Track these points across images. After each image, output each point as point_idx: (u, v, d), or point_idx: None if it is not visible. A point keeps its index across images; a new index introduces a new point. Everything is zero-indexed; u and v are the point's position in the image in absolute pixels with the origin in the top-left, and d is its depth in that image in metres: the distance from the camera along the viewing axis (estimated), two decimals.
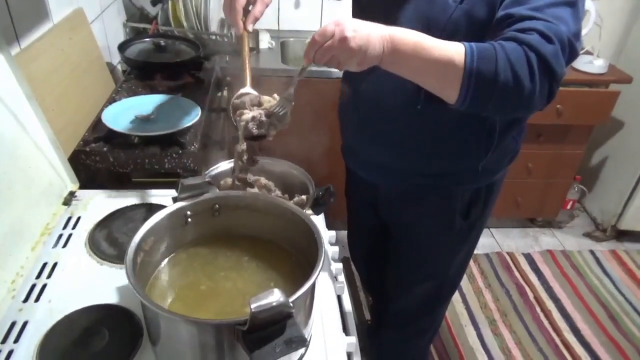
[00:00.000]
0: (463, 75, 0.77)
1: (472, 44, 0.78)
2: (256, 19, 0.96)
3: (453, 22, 0.89)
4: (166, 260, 0.83)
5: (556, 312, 2.08)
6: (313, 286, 0.72)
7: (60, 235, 1.00)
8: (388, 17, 0.98)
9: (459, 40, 0.86)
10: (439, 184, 1.09)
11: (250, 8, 0.96)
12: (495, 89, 0.77)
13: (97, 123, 1.28)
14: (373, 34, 0.76)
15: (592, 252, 2.43)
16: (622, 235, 2.54)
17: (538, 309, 2.09)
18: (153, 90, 1.46)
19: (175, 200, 0.82)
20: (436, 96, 0.83)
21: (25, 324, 0.81)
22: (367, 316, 2.00)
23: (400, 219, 1.22)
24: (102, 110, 1.30)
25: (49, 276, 0.90)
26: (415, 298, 1.34)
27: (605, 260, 2.39)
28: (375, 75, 1.01)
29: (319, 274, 0.69)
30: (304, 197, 1.02)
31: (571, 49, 0.80)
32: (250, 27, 0.95)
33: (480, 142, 1.03)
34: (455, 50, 0.78)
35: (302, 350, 0.77)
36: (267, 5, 0.96)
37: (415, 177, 1.09)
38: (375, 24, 0.79)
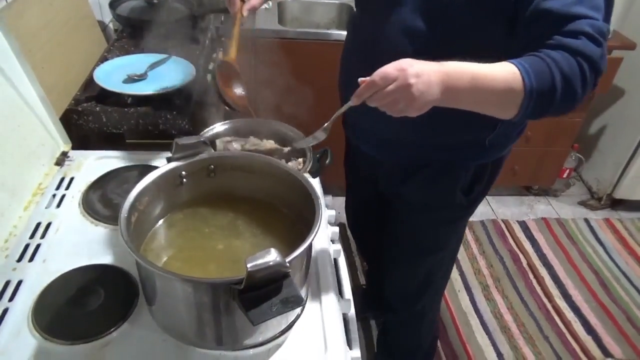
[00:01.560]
0: (523, 99, 0.76)
1: (523, 61, 0.76)
2: (253, 9, 0.99)
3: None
4: (161, 220, 0.82)
5: (548, 278, 2.11)
6: (310, 247, 0.72)
7: (54, 196, 0.99)
8: None
9: (468, 21, 0.85)
10: (442, 159, 1.06)
11: None
12: (552, 105, 0.77)
13: (89, 82, 1.24)
14: (433, 77, 0.75)
15: (586, 221, 2.45)
16: (616, 204, 2.55)
17: (531, 276, 2.12)
18: (146, 49, 1.42)
19: (169, 160, 0.81)
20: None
21: (19, 283, 0.80)
22: (362, 281, 2.03)
23: (400, 194, 1.19)
24: (93, 69, 1.27)
25: (42, 236, 0.89)
26: (416, 272, 1.31)
27: (599, 228, 2.41)
28: (379, 47, 0.97)
29: (316, 234, 0.68)
30: (300, 159, 1.01)
31: (607, 38, 0.80)
32: (245, 13, 0.98)
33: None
34: (511, 76, 0.76)
35: (298, 311, 0.77)
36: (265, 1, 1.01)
37: (418, 151, 1.06)
38: (432, 64, 0.76)
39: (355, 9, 1.11)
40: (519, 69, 0.75)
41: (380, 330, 1.68)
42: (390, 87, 0.74)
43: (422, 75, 0.73)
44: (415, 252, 1.27)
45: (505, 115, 0.81)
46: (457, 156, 1.05)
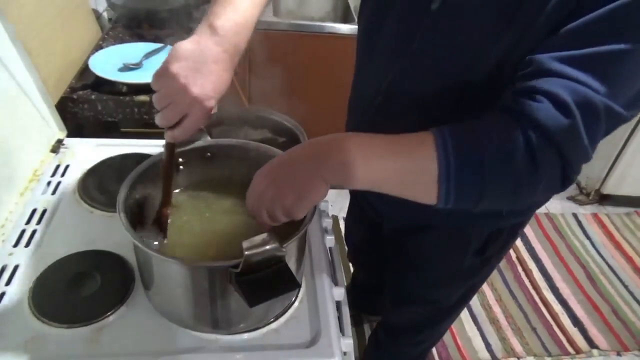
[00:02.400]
0: (439, 179, 0.57)
1: (446, 130, 0.58)
2: (187, 133, 0.70)
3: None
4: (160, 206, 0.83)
5: (537, 271, 2.14)
6: (305, 234, 0.73)
7: (49, 183, 0.99)
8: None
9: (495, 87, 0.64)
10: (451, 224, 0.93)
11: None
12: (484, 189, 0.58)
13: (85, 70, 1.25)
14: (303, 147, 0.63)
15: (574, 215, 2.49)
16: (604, 199, 2.59)
17: (519, 268, 2.15)
18: (141, 39, 1.43)
19: None
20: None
21: (16, 267, 0.81)
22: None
23: (404, 248, 1.08)
24: (89, 57, 1.27)
25: (38, 222, 0.90)
26: (422, 315, 1.23)
27: (587, 223, 2.45)
28: (384, 108, 0.85)
29: (310, 221, 0.69)
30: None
31: (610, 119, 0.55)
32: (180, 138, 0.71)
33: None
34: (421, 134, 0.59)
35: (293, 296, 0.79)
36: (203, 124, 0.73)
37: (425, 212, 0.85)
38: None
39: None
40: (436, 139, 0.57)
41: (373, 330, 1.65)
42: (254, 199, 0.64)
43: (284, 158, 0.64)
44: (420, 303, 1.17)
45: (425, 193, 0.60)
46: (468, 222, 0.90)
